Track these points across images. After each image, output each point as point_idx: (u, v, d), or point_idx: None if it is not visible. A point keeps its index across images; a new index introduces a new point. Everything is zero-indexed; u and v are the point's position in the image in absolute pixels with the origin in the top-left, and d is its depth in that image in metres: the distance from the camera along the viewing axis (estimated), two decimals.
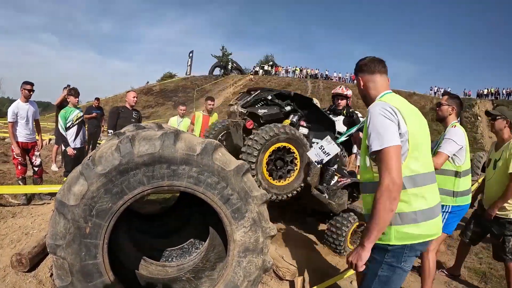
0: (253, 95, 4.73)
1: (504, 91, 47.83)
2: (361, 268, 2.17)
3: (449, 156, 3.85)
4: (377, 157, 2.18)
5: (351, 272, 3.99)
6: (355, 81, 2.73)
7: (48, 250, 2.49)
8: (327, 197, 5.03)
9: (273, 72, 55.68)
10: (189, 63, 53.56)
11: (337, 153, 4.50)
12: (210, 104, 7.96)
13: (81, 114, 7.41)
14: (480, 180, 11.22)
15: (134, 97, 7.31)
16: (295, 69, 55.94)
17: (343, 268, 4.39)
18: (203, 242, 4.00)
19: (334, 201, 5.11)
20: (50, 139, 13.88)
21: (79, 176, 2.51)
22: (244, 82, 48.18)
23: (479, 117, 39.66)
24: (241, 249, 2.73)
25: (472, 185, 4.15)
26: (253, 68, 58.18)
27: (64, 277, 2.52)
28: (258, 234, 2.72)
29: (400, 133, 2.19)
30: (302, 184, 4.47)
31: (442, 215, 3.90)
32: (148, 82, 54.40)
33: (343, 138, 4.84)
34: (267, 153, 4.15)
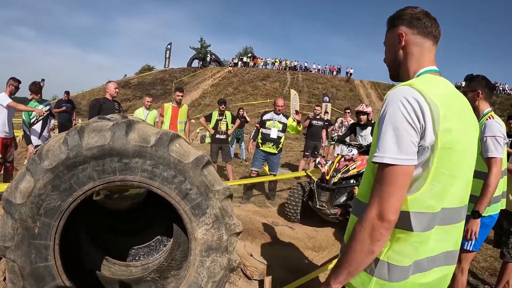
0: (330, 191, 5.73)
1: None
2: None
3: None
4: (377, 170, 1.48)
5: (327, 268, 3.84)
6: (386, 39, 1.76)
7: None
8: None
9: (252, 64, 55.42)
10: (167, 55, 53.02)
11: None
12: (178, 95, 7.83)
13: (46, 108, 7.18)
14: None
15: (115, 88, 7.03)
16: (275, 61, 55.80)
17: (319, 263, 4.23)
18: (171, 239, 3.81)
19: None
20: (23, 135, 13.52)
21: (25, 172, 2.33)
22: (222, 74, 47.91)
23: None
24: (204, 247, 2.53)
25: None
26: (232, 60, 57.84)
27: (16, 281, 2.37)
28: (222, 232, 2.52)
29: (421, 146, 1.43)
30: None
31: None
32: (126, 75, 53.77)
33: None
34: None
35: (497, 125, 3.11)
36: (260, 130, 7.59)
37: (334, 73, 53.20)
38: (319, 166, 6.24)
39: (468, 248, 3.25)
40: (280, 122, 7.48)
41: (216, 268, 2.56)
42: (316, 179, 6.06)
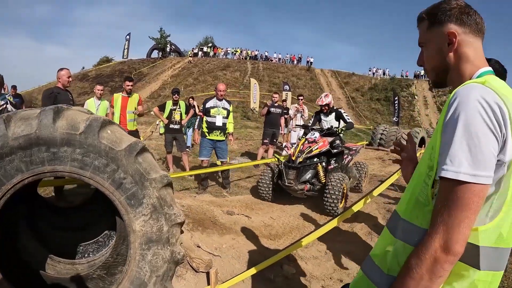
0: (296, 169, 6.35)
1: None
2: None
3: None
4: (442, 188, 1.19)
5: (280, 256, 3.75)
6: (427, 39, 1.44)
7: None
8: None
9: (213, 54, 54.92)
10: (126, 46, 51.73)
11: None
12: (128, 85, 7.60)
13: (2, 102, 6.80)
14: (418, 154, 11.54)
15: (68, 77, 6.36)
16: (235, 51, 55.51)
17: (272, 253, 4.12)
18: None
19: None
20: None
21: None
22: (182, 64, 47.22)
23: (416, 96, 42.78)
24: (143, 240, 2.39)
25: None
26: (192, 50, 57.08)
27: None
28: (161, 222, 2.39)
29: (499, 161, 1.15)
30: None
31: None
32: (83, 68, 52.07)
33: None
34: None
35: None
36: (204, 119, 7.45)
37: (295, 62, 53.43)
38: (285, 149, 7.05)
39: None
40: (224, 108, 7.41)
41: (158, 262, 2.44)
42: (283, 160, 6.65)
